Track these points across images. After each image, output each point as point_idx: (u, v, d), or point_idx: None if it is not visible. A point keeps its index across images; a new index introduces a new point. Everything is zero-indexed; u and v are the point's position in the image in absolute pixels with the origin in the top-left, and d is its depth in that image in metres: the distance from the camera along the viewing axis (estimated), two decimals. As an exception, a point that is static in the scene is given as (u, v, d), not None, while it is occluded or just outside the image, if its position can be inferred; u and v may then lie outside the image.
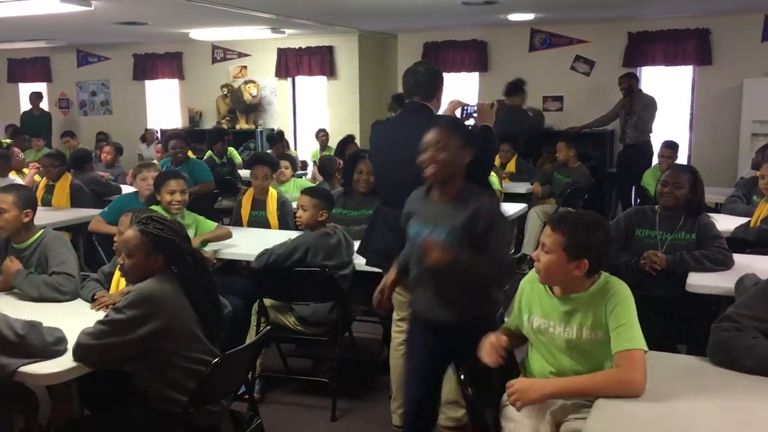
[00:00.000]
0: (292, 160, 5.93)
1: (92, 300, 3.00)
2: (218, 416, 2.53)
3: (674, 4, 7.58)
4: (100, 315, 2.52)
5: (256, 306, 3.77)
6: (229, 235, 4.22)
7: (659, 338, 3.39)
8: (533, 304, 2.37)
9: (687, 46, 8.42)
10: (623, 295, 2.21)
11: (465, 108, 3.36)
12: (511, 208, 5.57)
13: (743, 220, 4.49)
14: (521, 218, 5.88)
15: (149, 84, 11.49)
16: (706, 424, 1.87)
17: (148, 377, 2.38)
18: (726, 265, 3.46)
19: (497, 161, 7.32)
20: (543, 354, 2.34)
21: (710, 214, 4.84)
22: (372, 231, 3.40)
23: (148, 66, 11.27)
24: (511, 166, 7.41)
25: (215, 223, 4.30)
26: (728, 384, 2.10)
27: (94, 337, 2.32)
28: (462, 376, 2.19)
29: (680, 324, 3.46)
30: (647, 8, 7.96)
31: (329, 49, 10.06)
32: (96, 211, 5.02)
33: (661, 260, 3.49)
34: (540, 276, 2.30)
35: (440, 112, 3.32)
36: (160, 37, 10.10)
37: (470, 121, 3.30)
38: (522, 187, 6.89)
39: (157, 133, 10.69)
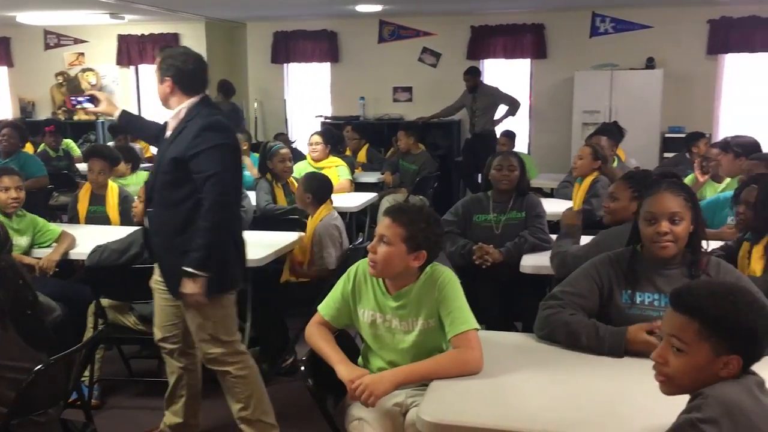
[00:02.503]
0: (133, 153, 5.63)
1: None
2: (45, 427, 2.36)
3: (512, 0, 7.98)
4: None
5: (92, 307, 3.56)
6: (75, 241, 3.96)
7: (498, 318, 3.61)
8: (366, 298, 2.37)
9: (524, 40, 8.90)
10: (450, 281, 2.29)
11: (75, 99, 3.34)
12: (362, 198, 5.63)
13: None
14: (373, 207, 5.96)
15: (-29, 71, 10.51)
16: (530, 396, 1.98)
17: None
18: (546, 242, 3.73)
19: (347, 151, 7.38)
20: (380, 347, 2.36)
21: (545, 199, 5.18)
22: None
23: (-31, 51, 10.30)
24: (362, 156, 7.49)
25: (59, 229, 4.01)
26: (554, 358, 2.24)
27: None
28: (303, 368, 2.17)
29: (517, 303, 3.66)
30: (488, 3, 8.32)
31: (174, 37, 9.67)
32: None
33: (494, 255, 3.69)
34: (376, 268, 2.29)
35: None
36: (-18, 19, 9.27)
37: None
38: (373, 177, 6.98)
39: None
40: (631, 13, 8.53)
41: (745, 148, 4.41)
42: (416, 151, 7.14)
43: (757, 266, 3.03)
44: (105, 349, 3.71)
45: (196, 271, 2.67)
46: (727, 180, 4.63)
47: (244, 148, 5.85)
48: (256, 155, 6.19)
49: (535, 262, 3.56)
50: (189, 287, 2.69)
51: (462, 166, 8.69)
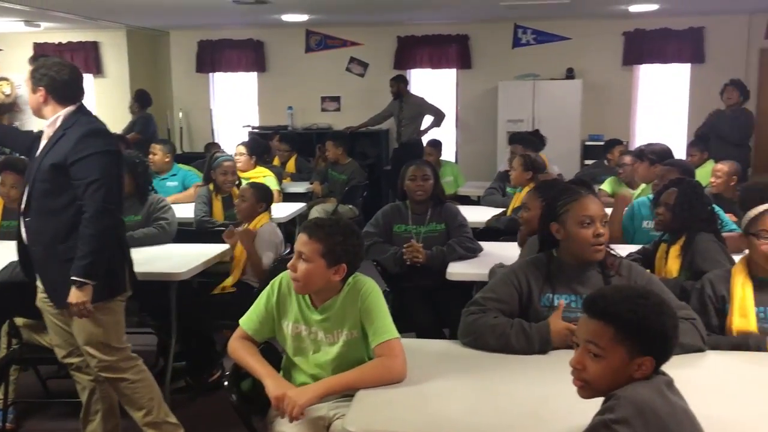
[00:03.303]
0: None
1: None
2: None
3: (437, 11, 8.11)
4: None
5: (5, 327, 3.40)
6: None
7: (426, 325, 3.65)
8: (290, 310, 2.35)
9: (449, 50, 9.05)
10: (372, 292, 2.30)
11: None
12: (290, 208, 5.60)
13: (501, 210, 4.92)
14: (302, 217, 5.92)
15: None
16: (454, 402, 2.01)
17: None
18: (475, 251, 3.78)
19: (276, 161, 7.33)
20: (304, 360, 2.34)
21: (471, 206, 5.27)
22: None
23: None
24: (291, 166, 7.45)
25: None
26: (477, 363, 2.27)
27: None
28: (226, 383, 2.14)
29: (445, 310, 3.70)
30: (413, 14, 8.43)
31: (94, 45, 9.41)
32: None
33: (422, 254, 3.72)
34: (298, 285, 2.27)
35: None
36: None
37: None
38: (302, 187, 6.95)
39: None
40: (550, 25, 8.80)
41: (659, 155, 4.60)
42: (344, 161, 7.15)
43: (673, 266, 3.17)
44: (20, 369, 3.55)
45: (82, 279, 2.67)
46: (642, 186, 4.82)
47: (167, 160, 5.73)
48: (182, 166, 6.11)
49: (461, 269, 3.60)
50: (76, 296, 2.68)
51: (390, 175, 8.75)
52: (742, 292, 2.47)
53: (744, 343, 2.39)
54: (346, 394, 2.16)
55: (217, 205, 4.88)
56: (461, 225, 3.89)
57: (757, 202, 2.67)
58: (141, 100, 8.18)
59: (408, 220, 3.92)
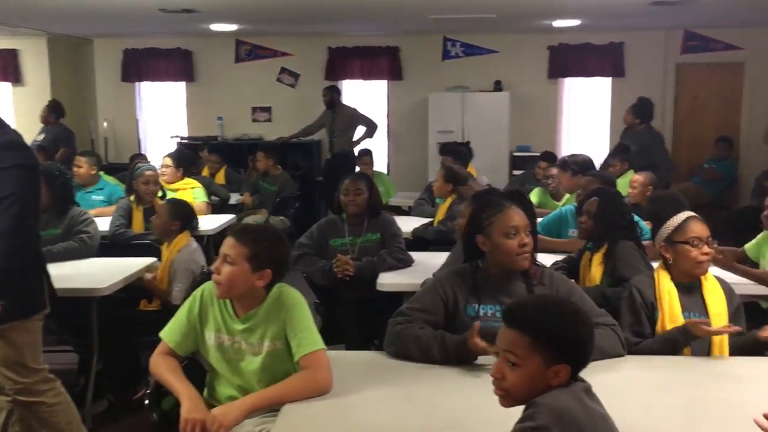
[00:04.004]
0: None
1: None
2: None
3: (367, 22, 8.16)
4: None
5: None
6: None
7: (356, 337, 3.64)
8: (213, 320, 2.32)
9: (380, 62, 9.12)
10: (297, 302, 2.28)
11: None
12: (220, 220, 5.51)
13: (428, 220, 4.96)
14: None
15: None
16: (380, 413, 2.01)
17: None
18: (406, 262, 3.80)
19: (205, 172, 7.21)
20: (228, 371, 2.30)
21: (402, 217, 5.30)
22: None
23: None
24: (220, 178, 7.34)
25: None
26: (403, 373, 2.28)
27: None
28: (147, 401, 2.08)
29: (374, 322, 3.70)
30: (344, 25, 8.46)
31: (13, 53, 9.05)
32: None
33: (351, 266, 3.71)
34: (221, 289, 2.25)
35: None
36: None
37: None
38: (232, 198, 6.85)
39: None
40: (479, 38, 8.97)
41: (581, 165, 4.75)
42: (276, 172, 7.10)
43: (596, 273, 3.27)
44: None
45: None
46: (567, 196, 4.96)
47: (92, 172, 5.56)
48: (108, 178, 5.93)
49: (391, 279, 3.61)
50: None
51: (323, 186, 8.72)
52: (669, 298, 2.54)
53: (672, 338, 2.45)
54: (273, 409, 2.13)
55: (138, 217, 4.74)
56: (395, 235, 3.91)
57: (672, 211, 2.74)
58: (57, 110, 7.86)
59: (344, 234, 3.91)
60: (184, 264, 3.83)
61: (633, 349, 2.46)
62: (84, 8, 6.76)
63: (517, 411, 1.60)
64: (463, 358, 2.29)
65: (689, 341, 2.44)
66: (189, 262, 3.86)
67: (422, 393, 2.14)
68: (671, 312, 2.52)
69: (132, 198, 4.82)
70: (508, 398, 1.61)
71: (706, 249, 2.53)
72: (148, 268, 3.90)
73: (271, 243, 2.26)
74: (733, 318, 2.53)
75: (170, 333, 2.33)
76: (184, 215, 3.99)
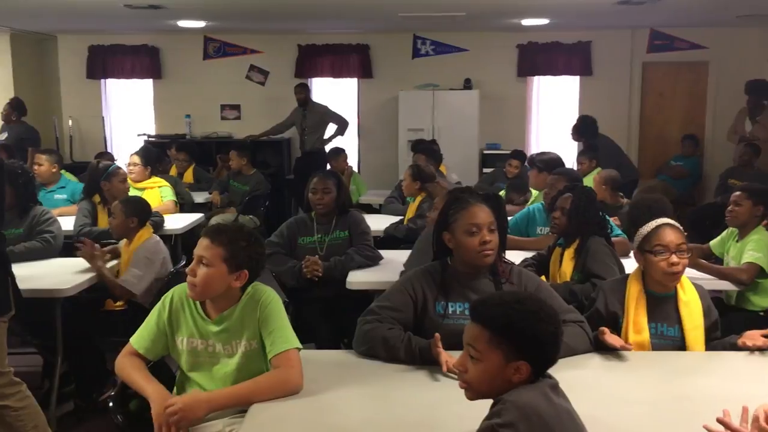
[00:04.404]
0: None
1: None
2: None
3: (337, 20, 8.12)
4: None
5: None
6: None
7: (326, 336, 3.62)
8: (185, 325, 2.28)
9: (350, 59, 9.09)
10: (272, 301, 2.26)
11: None
12: (187, 219, 5.44)
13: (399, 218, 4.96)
14: (201, 228, 5.76)
15: None
16: (350, 412, 2.00)
17: None
18: (374, 259, 3.79)
19: (173, 171, 7.12)
20: (201, 375, 2.27)
21: (373, 215, 5.29)
22: None
23: None
24: (189, 176, 7.25)
25: None
26: (372, 372, 2.28)
27: None
28: (111, 404, 2.04)
29: (344, 321, 3.69)
30: (314, 23, 8.42)
31: (-27, 49, 8.83)
32: None
33: (320, 266, 3.70)
34: (196, 291, 2.21)
35: None
36: None
37: None
38: (200, 197, 6.78)
39: None
40: (448, 36, 8.99)
41: (548, 163, 4.78)
42: (248, 171, 7.03)
43: (567, 269, 3.30)
44: None
45: None
46: (535, 193, 4.99)
47: (53, 171, 5.45)
48: (69, 176, 5.82)
49: (361, 278, 3.60)
50: None
51: (293, 184, 8.67)
52: (636, 307, 2.50)
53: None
54: (243, 409, 2.10)
55: (103, 218, 4.63)
56: (363, 233, 3.90)
57: (646, 218, 2.73)
58: (19, 108, 7.66)
59: (313, 232, 3.88)
60: (143, 252, 3.79)
61: None
62: (47, 3, 6.63)
63: (485, 407, 1.61)
64: (428, 361, 2.28)
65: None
66: (149, 251, 3.81)
67: (392, 392, 2.13)
68: (636, 321, 2.48)
69: (97, 199, 4.71)
70: (471, 391, 1.63)
71: (674, 259, 2.44)
72: (112, 269, 3.83)
73: (248, 243, 2.23)
74: (707, 332, 2.51)
75: (139, 339, 2.30)
76: (139, 210, 3.93)
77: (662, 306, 2.52)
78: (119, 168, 4.82)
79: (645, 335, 2.47)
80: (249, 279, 2.25)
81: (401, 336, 2.34)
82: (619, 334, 2.49)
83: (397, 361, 2.31)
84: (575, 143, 8.67)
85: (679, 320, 2.49)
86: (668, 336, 2.50)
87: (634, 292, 2.52)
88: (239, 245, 2.21)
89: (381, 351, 2.33)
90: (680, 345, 2.49)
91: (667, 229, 2.51)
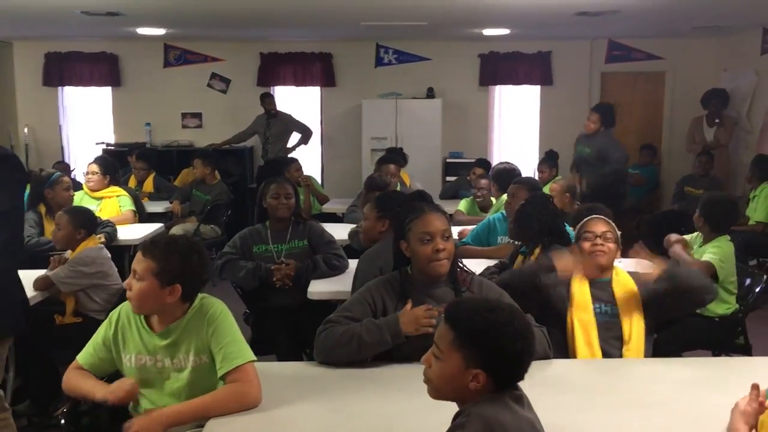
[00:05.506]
0: None
1: None
2: None
3: (299, 28, 8.10)
4: None
5: None
6: None
7: (287, 347, 3.58)
8: (131, 342, 2.23)
9: (313, 68, 9.06)
10: (221, 314, 2.21)
11: None
12: (147, 229, 5.36)
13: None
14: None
15: None
16: (310, 424, 1.98)
17: None
18: (341, 269, 3.76)
19: (132, 182, 7.01)
20: (153, 392, 2.22)
21: (335, 224, 5.27)
22: None
23: None
24: (149, 185, 7.14)
25: None
26: (332, 384, 2.26)
27: None
28: (63, 421, 1.99)
29: (305, 331, 3.65)
30: (276, 31, 8.38)
31: (-76, 55, 8.60)
32: None
33: (291, 266, 3.66)
34: (133, 305, 2.16)
35: None
36: None
37: None
38: (160, 206, 6.68)
39: None
40: (411, 45, 9.03)
41: (501, 175, 4.87)
42: (212, 181, 6.96)
43: None
44: None
45: None
46: (495, 203, 5.03)
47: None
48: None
49: (323, 287, 3.58)
50: None
51: (256, 193, 8.57)
52: (581, 289, 2.74)
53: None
54: (200, 423, 2.06)
55: (50, 227, 4.45)
56: (329, 242, 3.87)
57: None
58: None
59: (268, 240, 3.85)
60: (82, 253, 3.71)
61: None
62: (2, 9, 6.48)
63: (448, 418, 1.60)
64: (394, 335, 2.30)
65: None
66: (88, 256, 3.71)
67: (352, 403, 2.12)
68: (582, 300, 2.72)
69: (43, 209, 4.60)
70: (431, 388, 1.64)
71: (598, 242, 2.76)
72: (60, 261, 3.73)
73: (182, 256, 2.14)
74: (646, 306, 2.72)
75: (86, 356, 2.26)
76: (86, 221, 3.85)
77: (601, 289, 2.76)
78: (62, 175, 4.73)
79: (589, 312, 2.69)
80: (187, 293, 2.17)
81: (360, 323, 2.35)
82: (565, 320, 2.71)
83: (362, 348, 2.30)
84: (536, 151, 8.82)
85: (615, 299, 2.74)
86: (605, 312, 2.73)
87: (576, 277, 2.77)
88: (171, 259, 2.13)
89: (343, 345, 2.32)
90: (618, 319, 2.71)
91: (594, 220, 2.88)
